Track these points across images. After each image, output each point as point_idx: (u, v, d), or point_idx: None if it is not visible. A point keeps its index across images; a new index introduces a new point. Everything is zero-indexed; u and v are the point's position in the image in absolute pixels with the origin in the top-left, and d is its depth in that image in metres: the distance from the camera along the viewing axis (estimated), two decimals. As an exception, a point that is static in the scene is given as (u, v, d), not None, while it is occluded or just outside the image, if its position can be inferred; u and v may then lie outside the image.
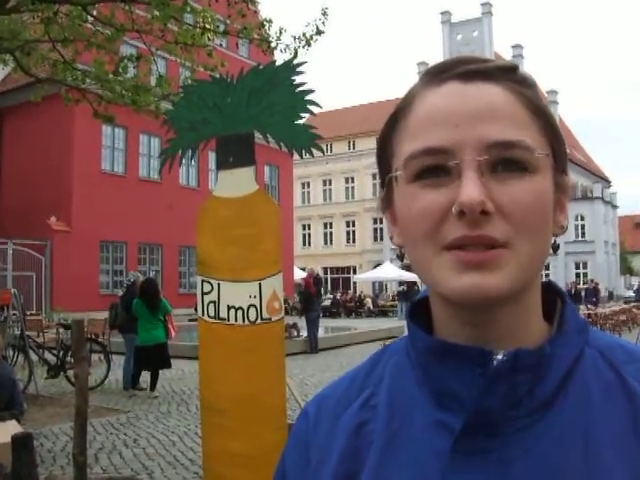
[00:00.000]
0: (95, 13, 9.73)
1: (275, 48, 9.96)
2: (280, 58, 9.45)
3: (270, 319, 3.27)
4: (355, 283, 42.98)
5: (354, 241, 49.44)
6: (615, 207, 53.60)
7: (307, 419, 0.74)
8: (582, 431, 0.59)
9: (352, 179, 49.67)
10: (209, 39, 9.80)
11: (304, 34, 9.69)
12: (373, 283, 41.69)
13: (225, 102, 3.34)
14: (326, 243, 50.72)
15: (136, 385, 9.64)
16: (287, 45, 9.73)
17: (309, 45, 9.66)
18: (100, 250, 24.09)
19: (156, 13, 8.65)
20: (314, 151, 3.30)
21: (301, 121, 3.35)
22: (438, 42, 49.08)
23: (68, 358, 9.53)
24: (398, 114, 0.67)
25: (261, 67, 3.34)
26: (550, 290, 0.70)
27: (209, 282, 3.36)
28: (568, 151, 0.69)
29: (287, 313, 19.64)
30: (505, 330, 0.62)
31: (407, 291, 29.16)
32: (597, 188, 48.94)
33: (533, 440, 0.59)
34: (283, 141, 3.30)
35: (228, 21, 10.20)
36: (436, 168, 0.61)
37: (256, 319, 3.26)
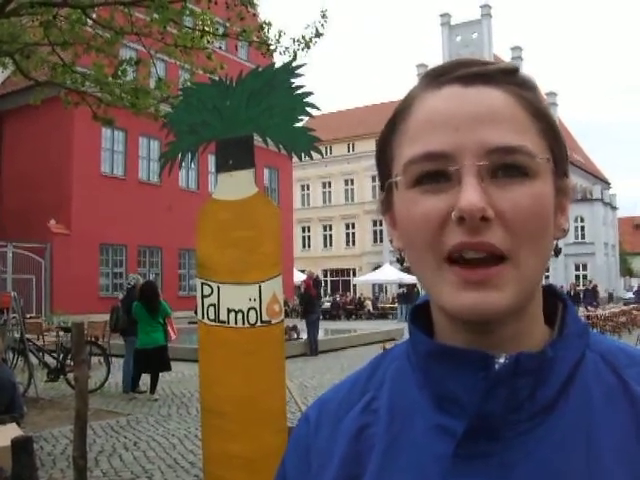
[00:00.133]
0: (94, 16, 9.75)
1: (274, 50, 9.98)
2: (279, 60, 9.48)
3: (270, 322, 3.27)
4: (355, 285, 42.97)
5: (354, 243, 49.45)
6: (615, 208, 53.61)
7: (308, 423, 0.74)
8: (583, 435, 0.59)
9: (351, 181, 49.70)
10: (208, 42, 9.83)
11: (303, 36, 9.71)
12: (373, 285, 41.70)
13: (224, 105, 3.34)
14: (326, 245, 50.73)
15: (136, 388, 9.63)
16: (286, 47, 9.77)
17: (308, 47, 9.68)
18: (100, 253, 24.07)
19: (155, 16, 8.67)
20: (313, 153, 3.29)
21: (300, 123, 3.36)
22: (437, 44, 49.42)
23: (68, 361, 9.53)
24: (398, 117, 0.66)
25: (260, 69, 3.34)
26: (550, 294, 0.69)
27: (209, 285, 3.35)
28: (568, 153, 0.69)
29: (287, 315, 19.62)
30: (508, 337, 0.62)
31: (407, 293, 29.14)
32: (597, 190, 48.97)
33: (534, 444, 0.59)
34: (282, 143, 3.30)
35: (227, 24, 10.21)
36: (436, 173, 0.60)
37: (256, 322, 3.25)
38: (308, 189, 51.28)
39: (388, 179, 0.67)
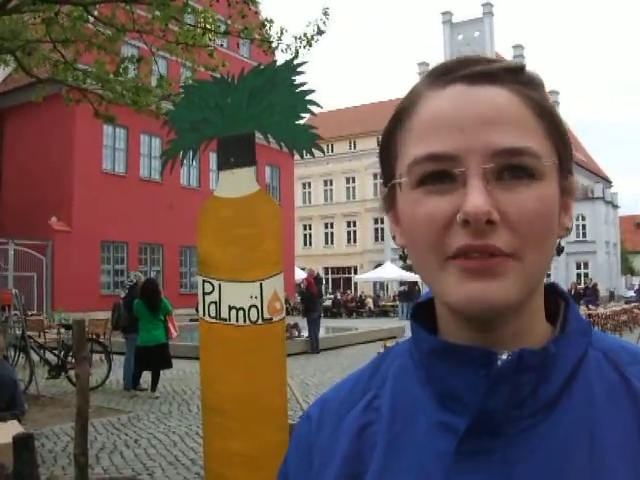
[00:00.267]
0: (96, 13, 9.73)
1: (276, 48, 9.96)
2: (281, 58, 9.44)
3: (271, 319, 3.27)
4: (356, 283, 42.97)
5: (355, 241, 49.43)
6: (616, 207, 53.53)
7: (310, 421, 0.74)
8: (586, 432, 0.59)
9: (353, 179, 49.67)
10: (210, 39, 9.82)
11: (305, 34, 9.69)
12: (374, 283, 41.67)
13: (226, 102, 3.34)
14: (327, 243, 50.71)
15: (137, 385, 9.64)
16: (288, 45, 9.74)
17: (310, 45, 9.66)
18: (101, 250, 24.09)
19: (157, 13, 8.66)
20: (315, 151, 3.30)
21: (302, 121, 3.35)
22: (439, 42, 49.32)
23: (69, 358, 9.54)
24: (402, 114, 0.66)
25: (262, 67, 3.34)
26: (553, 292, 0.69)
27: (210, 282, 3.36)
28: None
29: (288, 313, 19.62)
30: (510, 334, 0.62)
31: (408, 291, 29.13)
32: (598, 188, 48.91)
33: (537, 441, 0.59)
34: (284, 141, 3.30)
35: (229, 21, 10.19)
36: (441, 174, 0.60)
37: (257, 319, 3.26)
38: (309, 187, 51.24)
39: (391, 176, 0.67)
